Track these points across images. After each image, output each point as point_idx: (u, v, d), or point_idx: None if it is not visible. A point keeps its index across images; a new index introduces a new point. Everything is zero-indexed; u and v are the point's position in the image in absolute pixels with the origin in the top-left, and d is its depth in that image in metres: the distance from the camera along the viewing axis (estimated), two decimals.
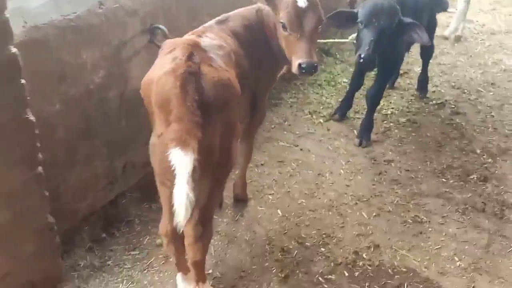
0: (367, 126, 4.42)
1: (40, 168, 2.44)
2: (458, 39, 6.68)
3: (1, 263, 2.41)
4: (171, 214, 2.25)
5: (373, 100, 4.39)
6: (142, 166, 3.51)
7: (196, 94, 2.11)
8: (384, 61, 4.12)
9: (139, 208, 3.49)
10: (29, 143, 2.34)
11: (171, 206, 2.19)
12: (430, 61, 5.31)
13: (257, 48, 2.92)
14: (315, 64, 2.78)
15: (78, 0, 2.67)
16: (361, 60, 3.70)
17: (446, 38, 6.66)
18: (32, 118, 2.30)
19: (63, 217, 2.84)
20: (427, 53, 5.14)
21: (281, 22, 2.81)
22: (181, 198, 2.07)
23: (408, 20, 3.79)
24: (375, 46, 3.68)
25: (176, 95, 2.09)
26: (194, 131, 2.07)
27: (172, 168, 2.08)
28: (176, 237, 2.57)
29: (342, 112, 4.72)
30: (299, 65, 2.76)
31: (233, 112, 2.41)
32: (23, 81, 2.19)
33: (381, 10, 3.73)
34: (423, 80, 5.25)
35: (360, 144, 4.38)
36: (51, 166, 2.64)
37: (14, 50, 2.10)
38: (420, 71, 5.32)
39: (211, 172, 2.32)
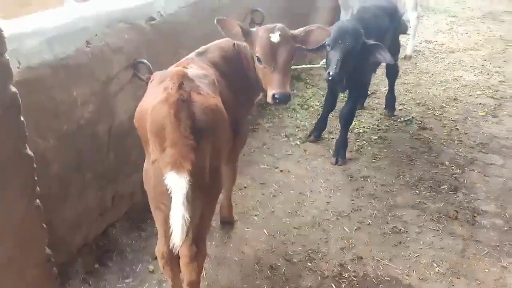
0: (342, 145, 4.63)
1: (38, 201, 2.53)
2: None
3: None
4: (167, 236, 2.38)
5: (346, 120, 4.61)
6: (129, 196, 3.62)
7: (188, 120, 2.25)
8: (354, 83, 4.41)
9: (129, 237, 3.55)
10: (28, 177, 2.43)
11: (167, 228, 2.32)
12: (396, 80, 5.61)
13: (235, 77, 3.09)
14: (288, 94, 2.99)
15: (67, 40, 2.80)
16: (330, 78, 3.96)
17: (409, 58, 7.03)
18: (30, 153, 2.40)
19: (58, 250, 2.89)
20: (392, 73, 5.43)
21: (257, 56, 3.02)
22: (177, 219, 2.18)
23: (371, 41, 4.07)
24: (342, 65, 3.95)
25: (170, 122, 2.24)
26: (189, 154, 2.21)
27: (168, 192, 2.21)
28: (172, 259, 2.68)
29: (317, 133, 4.94)
30: (273, 95, 2.98)
31: (221, 135, 2.57)
32: (22, 118, 2.30)
33: (345, 33, 4.01)
34: (391, 99, 5.53)
35: (336, 163, 4.58)
36: (46, 200, 2.72)
37: (14, 89, 2.22)
38: (386, 91, 5.60)
39: (203, 193, 2.43)
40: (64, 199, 3.00)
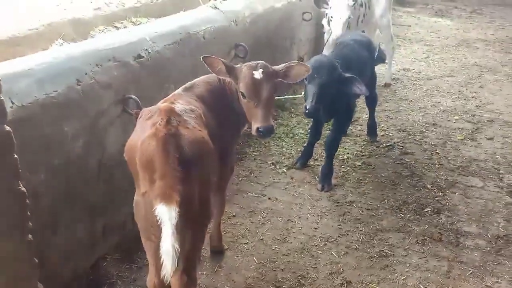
0: (327, 172, 4.74)
1: (30, 236, 2.58)
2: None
3: None
4: (158, 267, 2.44)
5: (331, 148, 4.73)
6: (120, 228, 3.66)
7: (176, 153, 2.36)
8: (336, 112, 4.56)
9: (120, 269, 3.57)
10: (20, 212, 2.47)
11: (157, 259, 2.38)
12: (376, 108, 5.78)
13: (221, 110, 3.21)
14: (272, 128, 3.14)
15: (58, 78, 2.91)
16: (306, 111, 4.11)
17: (389, 85, 7.25)
18: (23, 189, 2.46)
19: (48, 283, 2.92)
20: (372, 101, 5.58)
21: (241, 92, 3.16)
22: (168, 250, 2.26)
23: (347, 74, 4.22)
24: (319, 99, 4.09)
25: (159, 155, 2.34)
26: (177, 186, 2.31)
27: (158, 223, 2.29)
28: None
29: (303, 161, 5.05)
30: (258, 129, 3.12)
31: (209, 166, 2.67)
32: (16, 156, 2.37)
33: (321, 67, 4.16)
34: (372, 126, 5.69)
35: (322, 189, 4.69)
36: (36, 233, 2.76)
37: (8, 128, 2.30)
38: (368, 118, 5.76)
39: (192, 223, 2.51)
40: (55, 231, 3.04)
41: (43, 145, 2.82)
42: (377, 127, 5.78)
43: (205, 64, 3.18)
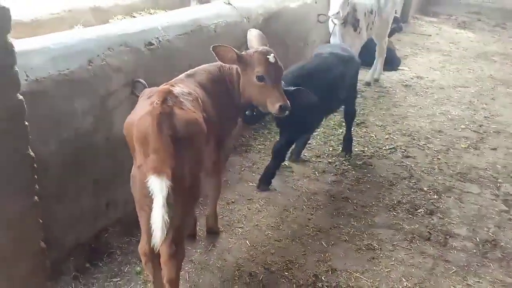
0: (267, 171, 4.74)
1: (36, 198, 2.84)
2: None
3: None
4: (149, 235, 2.66)
5: (274, 151, 4.70)
6: (123, 204, 3.90)
7: (169, 131, 2.59)
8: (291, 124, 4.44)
9: (120, 241, 3.82)
10: (28, 175, 2.74)
11: (149, 228, 2.61)
12: (384, 112, 5.89)
13: (220, 97, 3.44)
14: (289, 104, 3.47)
15: (71, 58, 3.16)
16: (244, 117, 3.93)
17: (368, 84, 7.49)
18: (32, 153, 2.72)
19: (51, 247, 3.17)
20: (349, 117, 5.43)
21: (258, 76, 3.41)
22: (158, 220, 2.48)
23: (292, 88, 3.95)
24: (258, 110, 3.79)
25: (153, 131, 2.57)
26: (168, 160, 2.54)
27: (150, 194, 2.52)
28: (153, 257, 2.94)
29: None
30: (280, 106, 3.43)
31: (200, 146, 2.88)
32: (26, 123, 2.64)
33: None
34: (347, 141, 5.48)
35: (258, 187, 4.71)
36: (43, 199, 3.02)
37: (20, 97, 2.56)
38: (371, 123, 5.78)
39: (182, 197, 2.71)
40: (60, 200, 3.30)
41: (54, 118, 3.08)
42: (383, 131, 5.91)
43: (214, 54, 3.42)
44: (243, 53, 3.51)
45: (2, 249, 2.73)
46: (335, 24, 6.30)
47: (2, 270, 2.79)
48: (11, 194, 2.69)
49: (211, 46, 3.40)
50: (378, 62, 7.57)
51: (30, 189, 2.79)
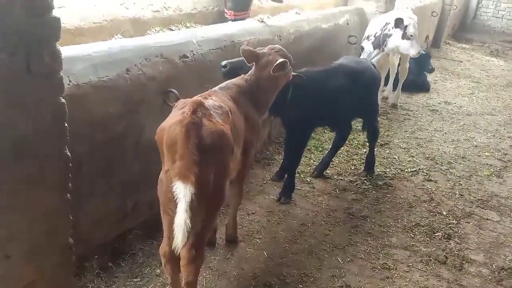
0: (289, 187, 4.90)
1: (69, 195, 3.02)
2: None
3: (30, 270, 2.92)
4: (171, 238, 2.80)
5: (286, 165, 5.06)
6: (148, 207, 4.07)
7: (196, 139, 2.73)
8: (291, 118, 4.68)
9: (143, 243, 3.98)
10: (63, 173, 2.92)
11: (171, 231, 2.75)
12: (407, 135, 5.94)
13: (248, 106, 3.62)
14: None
15: (111, 66, 3.36)
16: None
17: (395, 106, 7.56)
18: (68, 153, 2.90)
19: (78, 243, 3.33)
20: (372, 136, 5.50)
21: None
22: (180, 224, 2.62)
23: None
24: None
25: (181, 139, 2.73)
26: (193, 167, 2.68)
27: (175, 198, 2.67)
28: (173, 259, 3.06)
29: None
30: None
31: (226, 156, 3.02)
32: (66, 124, 2.83)
33: None
34: (370, 161, 5.57)
35: (279, 200, 4.84)
36: (74, 196, 3.19)
37: (63, 100, 2.75)
38: (394, 145, 5.88)
39: (205, 204, 2.84)
40: (90, 198, 3.48)
41: (90, 120, 3.27)
42: (406, 153, 5.96)
43: (242, 56, 3.69)
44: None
45: (36, 241, 2.91)
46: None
47: (35, 259, 2.96)
48: (48, 190, 2.87)
49: (241, 48, 3.70)
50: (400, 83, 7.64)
51: (64, 187, 2.96)
